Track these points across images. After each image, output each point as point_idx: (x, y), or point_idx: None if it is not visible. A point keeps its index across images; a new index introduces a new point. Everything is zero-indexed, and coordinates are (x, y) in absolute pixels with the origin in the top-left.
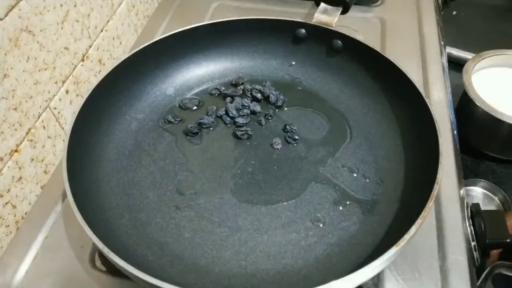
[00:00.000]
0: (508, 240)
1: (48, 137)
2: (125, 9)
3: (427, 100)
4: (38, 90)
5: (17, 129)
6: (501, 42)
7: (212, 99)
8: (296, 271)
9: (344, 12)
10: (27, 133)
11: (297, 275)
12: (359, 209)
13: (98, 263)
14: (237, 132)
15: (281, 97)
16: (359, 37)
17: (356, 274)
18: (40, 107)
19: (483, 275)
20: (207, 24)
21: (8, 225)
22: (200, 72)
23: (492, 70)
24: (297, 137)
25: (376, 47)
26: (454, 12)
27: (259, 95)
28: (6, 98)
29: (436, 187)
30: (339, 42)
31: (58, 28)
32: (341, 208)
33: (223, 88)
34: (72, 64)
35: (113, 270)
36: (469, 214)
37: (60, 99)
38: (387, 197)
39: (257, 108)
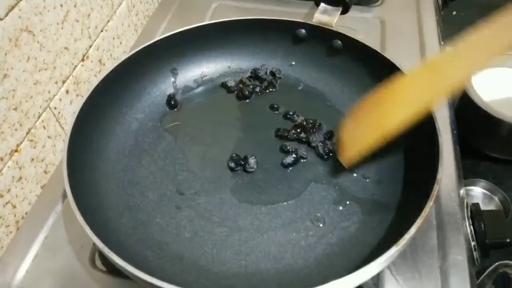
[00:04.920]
0: (508, 240)
1: (48, 137)
2: (125, 9)
3: None
4: (38, 90)
5: (17, 129)
6: None
7: None
8: (296, 271)
9: (344, 12)
10: (27, 133)
11: (297, 274)
12: (359, 209)
13: (98, 263)
14: None
15: None
16: (359, 37)
17: (356, 274)
18: (40, 107)
19: (484, 274)
20: (207, 24)
21: (9, 225)
22: (200, 72)
23: (492, 70)
24: None
25: (376, 47)
26: (454, 12)
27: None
28: (6, 98)
29: (436, 187)
30: (339, 42)
31: (58, 28)
32: (341, 208)
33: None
34: (72, 64)
35: (113, 270)
36: (469, 214)
37: (60, 99)
38: (387, 197)
39: None
